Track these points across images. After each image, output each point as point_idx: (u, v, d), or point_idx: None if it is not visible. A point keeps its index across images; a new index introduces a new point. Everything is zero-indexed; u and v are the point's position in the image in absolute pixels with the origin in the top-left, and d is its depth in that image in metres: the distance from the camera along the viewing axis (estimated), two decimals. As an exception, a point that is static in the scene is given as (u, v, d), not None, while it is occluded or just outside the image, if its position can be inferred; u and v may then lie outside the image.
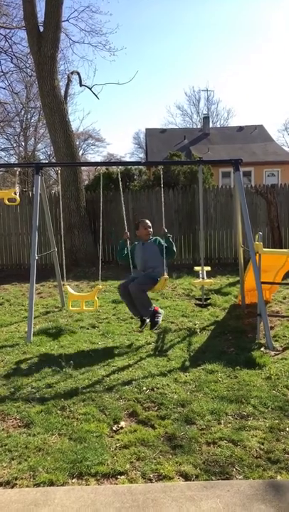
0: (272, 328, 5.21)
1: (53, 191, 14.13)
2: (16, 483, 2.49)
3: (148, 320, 4.93)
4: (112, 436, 2.95)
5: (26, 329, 5.17)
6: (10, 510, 2.26)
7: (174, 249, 5.04)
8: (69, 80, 13.88)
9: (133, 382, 3.77)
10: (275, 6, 57.11)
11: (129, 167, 14.15)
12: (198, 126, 34.27)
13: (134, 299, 4.78)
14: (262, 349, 4.51)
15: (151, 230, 5.15)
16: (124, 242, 5.14)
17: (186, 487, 2.40)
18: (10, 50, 15.15)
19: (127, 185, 13.15)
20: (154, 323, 4.89)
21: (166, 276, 4.86)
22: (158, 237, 5.16)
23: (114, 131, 65.14)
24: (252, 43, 65.08)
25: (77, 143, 30.95)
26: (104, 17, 28.65)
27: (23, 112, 24.82)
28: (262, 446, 2.78)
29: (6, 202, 5.72)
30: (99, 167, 11.47)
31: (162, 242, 5.00)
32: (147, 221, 5.19)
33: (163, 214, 5.68)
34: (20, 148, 29.07)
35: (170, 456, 2.70)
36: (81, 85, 13.85)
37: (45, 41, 10.02)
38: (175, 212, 10.65)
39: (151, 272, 4.94)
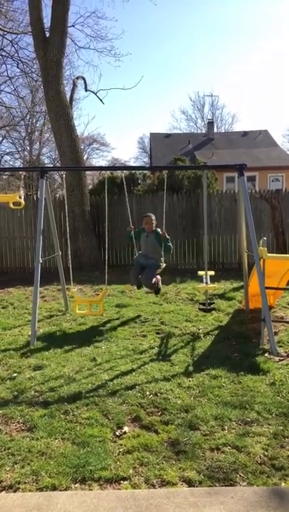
0: (276, 333, 5.19)
1: (58, 195, 14.19)
2: (19, 488, 2.49)
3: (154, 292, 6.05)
4: (115, 441, 2.94)
5: (30, 333, 5.17)
6: (12, 515, 2.25)
7: (170, 245, 5.89)
8: (74, 85, 13.99)
9: (136, 386, 3.76)
10: (275, 7, 57.30)
11: (134, 171, 14.19)
12: (203, 131, 34.37)
13: (145, 285, 5.87)
14: (266, 355, 4.49)
15: (151, 224, 6.01)
16: (129, 232, 6.04)
17: (190, 493, 2.39)
18: (16, 55, 15.33)
19: (131, 189, 13.18)
20: (157, 291, 5.98)
21: (164, 264, 5.90)
22: (158, 231, 5.94)
23: (119, 135, 65.60)
24: (254, 44, 65.42)
25: (82, 147, 31.10)
26: (110, 23, 28.90)
27: (28, 116, 24.98)
28: (266, 453, 2.76)
29: (11, 206, 5.75)
30: (103, 171, 11.51)
31: (160, 240, 5.85)
32: (149, 217, 6.02)
33: (164, 219, 6.04)
34: (26, 153, 29.26)
35: (173, 462, 2.69)
36: (86, 90, 13.99)
37: (51, 46, 10.10)
38: (179, 216, 10.66)
39: (154, 262, 5.84)
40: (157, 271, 5.83)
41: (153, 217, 6.04)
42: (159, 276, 5.92)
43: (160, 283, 5.96)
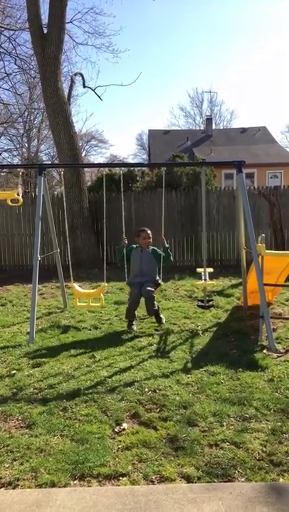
0: (274, 330, 5.20)
1: (56, 192, 14.16)
2: (18, 484, 2.49)
3: (154, 318, 5.64)
4: (114, 438, 2.95)
5: (29, 330, 5.17)
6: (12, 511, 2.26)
7: (171, 258, 5.66)
8: (72, 82, 13.92)
9: (135, 383, 3.77)
10: (280, 7, 57.21)
11: (132, 168, 14.16)
12: (201, 128, 34.31)
13: (147, 300, 5.35)
14: (264, 351, 4.50)
15: (150, 240, 5.65)
16: (122, 248, 5.60)
17: (188, 489, 2.40)
18: (14, 51, 15.23)
19: (129, 186, 13.15)
20: (159, 320, 5.63)
21: (161, 282, 5.67)
22: (155, 248, 5.67)
23: (117, 132, 65.45)
24: (254, 43, 65.33)
25: (80, 144, 31.00)
26: (108, 19, 28.85)
27: (26, 113, 24.87)
28: (264, 449, 2.77)
29: (9, 203, 5.73)
30: (102, 168, 11.51)
31: (159, 251, 5.56)
32: (148, 231, 5.64)
33: (163, 218, 5.93)
34: (24, 150, 29.16)
35: (172, 458, 2.69)
36: (84, 87, 13.93)
37: (48, 43, 10.05)
38: (178, 213, 10.66)
39: (151, 278, 5.52)
40: (155, 288, 5.49)
41: (149, 231, 5.65)
42: (158, 306, 5.67)
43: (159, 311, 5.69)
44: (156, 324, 5.62)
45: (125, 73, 45.91)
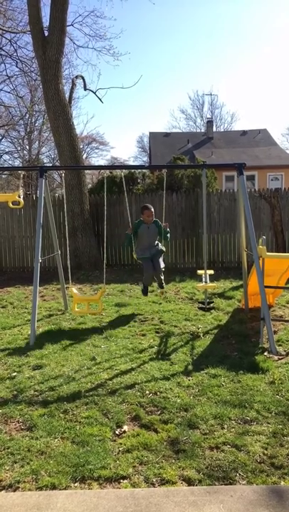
0: (275, 332, 5.19)
1: (57, 194, 14.17)
2: (19, 487, 2.49)
3: (159, 287, 6.63)
4: (114, 440, 2.94)
5: (29, 332, 5.17)
6: (12, 514, 2.25)
7: (168, 239, 6.40)
8: (73, 84, 13.92)
9: (136, 385, 3.76)
10: (278, 9, 57.42)
11: (133, 171, 14.17)
12: (202, 130, 34.37)
13: (159, 275, 6.28)
14: (265, 353, 4.49)
15: (153, 217, 6.19)
16: (129, 235, 6.13)
17: (189, 492, 2.39)
18: (15, 54, 15.26)
19: (130, 188, 13.16)
20: (162, 286, 6.55)
21: (164, 248, 6.39)
22: (156, 219, 6.22)
23: (118, 134, 65.50)
24: (254, 46, 65.44)
25: (81, 146, 31.08)
26: (109, 22, 28.91)
27: (27, 115, 24.95)
28: (265, 452, 2.76)
29: (10, 205, 5.74)
30: (103, 170, 11.51)
31: (160, 222, 6.20)
32: (151, 209, 6.14)
33: (163, 217, 6.23)
34: (25, 152, 29.26)
35: (173, 461, 2.69)
36: (85, 89, 13.91)
37: (50, 45, 10.08)
38: (178, 215, 10.65)
39: (157, 247, 6.26)
40: (162, 255, 6.33)
41: (152, 208, 6.21)
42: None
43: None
44: (157, 325, 5.62)
45: (126, 76, 46.11)
